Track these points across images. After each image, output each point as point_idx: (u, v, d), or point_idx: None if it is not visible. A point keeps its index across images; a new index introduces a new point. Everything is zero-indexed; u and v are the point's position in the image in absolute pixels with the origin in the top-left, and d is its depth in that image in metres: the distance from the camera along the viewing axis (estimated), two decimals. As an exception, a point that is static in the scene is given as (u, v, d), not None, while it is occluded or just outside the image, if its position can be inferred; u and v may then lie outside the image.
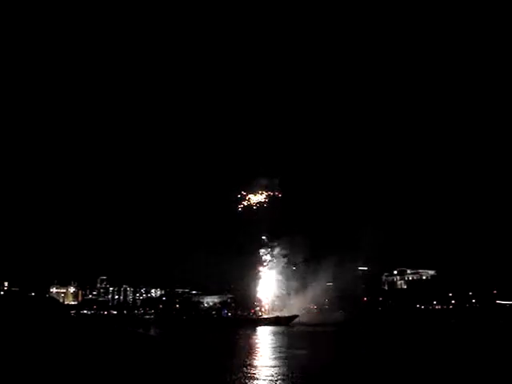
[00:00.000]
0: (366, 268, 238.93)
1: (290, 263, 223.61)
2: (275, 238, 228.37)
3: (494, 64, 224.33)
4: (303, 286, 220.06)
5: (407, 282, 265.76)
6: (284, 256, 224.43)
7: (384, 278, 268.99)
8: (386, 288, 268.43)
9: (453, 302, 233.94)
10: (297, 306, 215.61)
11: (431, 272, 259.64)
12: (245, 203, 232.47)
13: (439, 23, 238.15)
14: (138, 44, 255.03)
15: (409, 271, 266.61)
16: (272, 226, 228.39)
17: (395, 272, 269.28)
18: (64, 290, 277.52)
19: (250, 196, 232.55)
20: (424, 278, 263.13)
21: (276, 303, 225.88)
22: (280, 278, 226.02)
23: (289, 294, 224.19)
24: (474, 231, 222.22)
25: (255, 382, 47.32)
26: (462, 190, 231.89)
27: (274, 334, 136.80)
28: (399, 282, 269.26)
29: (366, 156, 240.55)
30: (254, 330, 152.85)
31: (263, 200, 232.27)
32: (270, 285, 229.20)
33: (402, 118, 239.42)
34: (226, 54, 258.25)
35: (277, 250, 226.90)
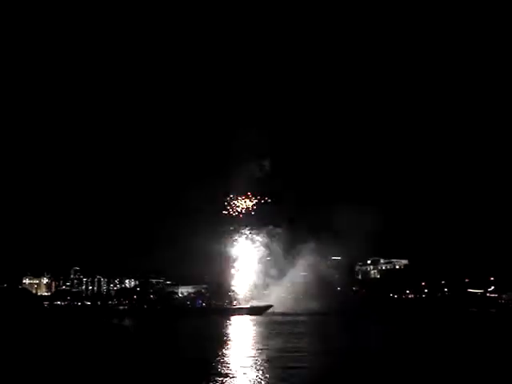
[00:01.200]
0: (339, 258, 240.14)
1: (270, 253, 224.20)
2: (255, 227, 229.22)
3: (494, 64, 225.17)
4: (281, 276, 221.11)
5: (380, 272, 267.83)
6: (264, 245, 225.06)
7: (357, 267, 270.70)
8: (360, 277, 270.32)
9: (425, 290, 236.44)
10: (274, 296, 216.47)
11: (404, 261, 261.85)
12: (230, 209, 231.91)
13: (439, 23, 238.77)
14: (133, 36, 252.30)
15: (382, 261, 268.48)
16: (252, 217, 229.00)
17: (369, 261, 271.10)
18: (37, 281, 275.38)
19: (236, 202, 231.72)
20: (397, 267, 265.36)
21: (253, 293, 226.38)
22: (259, 267, 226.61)
23: (267, 283, 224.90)
24: (446, 221, 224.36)
25: (227, 371, 47.58)
26: (434, 179, 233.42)
27: (247, 323, 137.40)
28: (372, 272, 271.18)
29: (344, 144, 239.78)
30: (228, 320, 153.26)
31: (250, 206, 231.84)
32: (247, 274, 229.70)
33: (385, 107, 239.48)
34: (224, 53, 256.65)
35: (256, 239, 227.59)
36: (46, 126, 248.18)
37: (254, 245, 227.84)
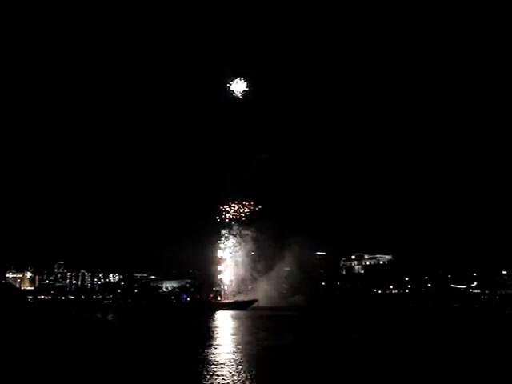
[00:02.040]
0: (324, 253, 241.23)
1: (257, 247, 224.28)
2: (243, 222, 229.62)
3: (494, 64, 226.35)
4: (267, 271, 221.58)
5: (364, 267, 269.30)
6: (252, 239, 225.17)
7: (342, 262, 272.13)
8: (344, 273, 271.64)
9: (409, 286, 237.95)
10: (260, 291, 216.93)
11: (388, 257, 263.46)
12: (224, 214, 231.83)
13: (439, 22, 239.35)
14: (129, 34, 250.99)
15: (366, 256, 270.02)
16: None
17: (353, 257, 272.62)
18: (20, 276, 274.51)
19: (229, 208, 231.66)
20: (381, 262, 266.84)
21: (240, 287, 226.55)
22: (246, 261, 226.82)
23: (254, 278, 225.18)
24: (429, 217, 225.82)
25: (210, 366, 47.76)
26: (418, 176, 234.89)
27: (231, 318, 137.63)
28: (357, 267, 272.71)
29: (331, 143, 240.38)
30: (212, 315, 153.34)
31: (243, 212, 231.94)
32: (232, 269, 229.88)
33: (374, 107, 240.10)
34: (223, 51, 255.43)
35: (244, 234, 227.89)
36: (39, 123, 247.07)
37: (242, 239, 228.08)
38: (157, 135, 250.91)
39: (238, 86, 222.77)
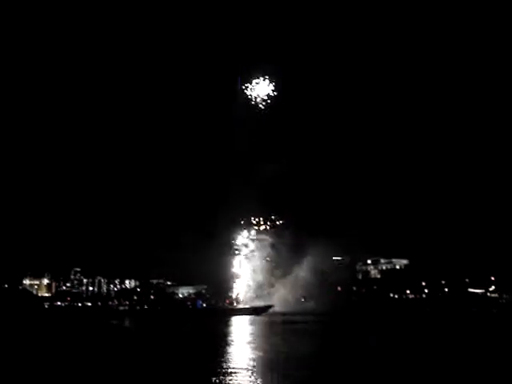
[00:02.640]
0: (339, 258, 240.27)
1: (275, 252, 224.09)
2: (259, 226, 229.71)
3: (494, 64, 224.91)
4: (284, 276, 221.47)
5: (381, 272, 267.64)
6: (270, 245, 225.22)
7: (358, 267, 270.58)
8: (360, 277, 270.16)
9: (426, 290, 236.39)
10: (277, 296, 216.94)
11: (404, 261, 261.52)
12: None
13: (440, 22, 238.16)
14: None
15: (382, 260, 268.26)
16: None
17: (369, 261, 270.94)
18: (37, 282, 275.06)
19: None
20: (397, 267, 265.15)
21: (257, 292, 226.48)
22: (263, 267, 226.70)
23: (271, 283, 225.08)
24: (446, 220, 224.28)
25: (228, 372, 47.60)
26: (435, 179, 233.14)
27: (247, 324, 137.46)
28: (373, 272, 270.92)
29: (344, 149, 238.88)
30: (228, 321, 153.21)
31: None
32: (249, 274, 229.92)
33: (378, 111, 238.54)
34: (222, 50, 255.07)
35: (261, 239, 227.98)
36: (48, 127, 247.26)
37: (259, 244, 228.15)
38: (172, 142, 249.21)
39: (260, 88, 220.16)
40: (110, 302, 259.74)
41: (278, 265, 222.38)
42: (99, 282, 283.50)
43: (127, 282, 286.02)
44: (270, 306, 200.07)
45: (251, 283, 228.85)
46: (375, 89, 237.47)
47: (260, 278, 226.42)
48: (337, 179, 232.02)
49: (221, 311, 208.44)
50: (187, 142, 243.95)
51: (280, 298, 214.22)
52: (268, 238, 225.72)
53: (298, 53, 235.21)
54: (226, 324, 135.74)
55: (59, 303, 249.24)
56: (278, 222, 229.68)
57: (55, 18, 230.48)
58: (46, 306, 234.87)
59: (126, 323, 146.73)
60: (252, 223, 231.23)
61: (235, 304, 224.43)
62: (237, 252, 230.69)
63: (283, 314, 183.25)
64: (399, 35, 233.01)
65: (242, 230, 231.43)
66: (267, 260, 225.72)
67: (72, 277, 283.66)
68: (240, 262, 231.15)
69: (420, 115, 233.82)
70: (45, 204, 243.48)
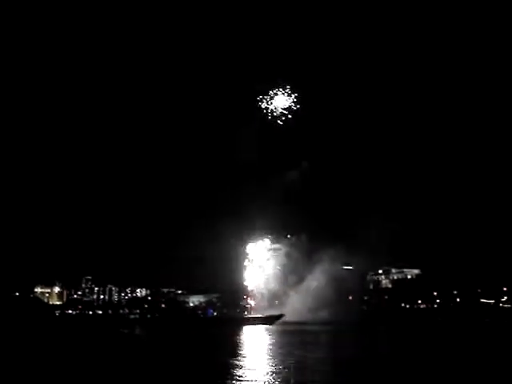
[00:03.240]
0: (351, 267, 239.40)
1: (287, 261, 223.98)
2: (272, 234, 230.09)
3: (494, 64, 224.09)
4: (297, 285, 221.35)
5: (392, 281, 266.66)
6: (284, 254, 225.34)
7: (369, 277, 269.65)
8: (371, 287, 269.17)
9: (437, 300, 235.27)
10: (289, 305, 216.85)
11: (416, 271, 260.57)
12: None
13: (440, 22, 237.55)
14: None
15: (394, 270, 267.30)
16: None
17: (380, 271, 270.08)
18: (48, 290, 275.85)
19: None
20: (409, 277, 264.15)
21: (267, 302, 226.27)
22: (276, 275, 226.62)
23: (284, 292, 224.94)
24: (458, 230, 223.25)
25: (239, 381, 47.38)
26: (446, 190, 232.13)
27: (258, 333, 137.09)
28: (384, 282, 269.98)
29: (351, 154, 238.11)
30: (239, 330, 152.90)
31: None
32: (261, 283, 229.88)
33: (384, 116, 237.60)
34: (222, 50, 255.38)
35: (274, 248, 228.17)
36: (57, 132, 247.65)
37: (273, 252, 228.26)
38: (187, 152, 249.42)
39: (280, 100, 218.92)
40: (121, 311, 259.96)
41: (292, 274, 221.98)
42: (110, 290, 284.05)
43: (138, 290, 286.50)
44: (281, 316, 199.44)
45: (264, 292, 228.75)
46: (386, 94, 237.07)
47: (273, 286, 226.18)
48: (349, 188, 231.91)
49: (231, 320, 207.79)
50: (202, 151, 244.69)
51: (293, 307, 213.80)
52: (282, 247, 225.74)
53: (311, 63, 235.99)
54: (236, 333, 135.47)
55: (70, 311, 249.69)
56: (291, 232, 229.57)
57: (58, 18, 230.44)
58: (57, 314, 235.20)
59: (137, 331, 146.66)
60: (266, 232, 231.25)
61: (246, 313, 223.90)
62: (249, 261, 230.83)
63: (294, 323, 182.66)
64: (402, 41, 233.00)
65: (255, 239, 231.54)
66: (280, 269, 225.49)
67: (83, 285, 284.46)
68: (252, 270, 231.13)
69: (434, 122, 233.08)
70: (56, 213, 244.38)
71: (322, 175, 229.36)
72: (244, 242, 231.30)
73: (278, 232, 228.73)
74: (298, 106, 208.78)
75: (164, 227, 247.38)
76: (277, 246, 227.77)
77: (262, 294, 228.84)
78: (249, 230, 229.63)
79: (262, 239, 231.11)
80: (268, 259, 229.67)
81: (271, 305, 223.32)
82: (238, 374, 50.81)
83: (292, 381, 47.98)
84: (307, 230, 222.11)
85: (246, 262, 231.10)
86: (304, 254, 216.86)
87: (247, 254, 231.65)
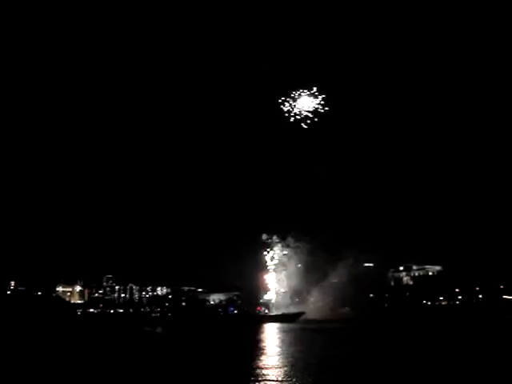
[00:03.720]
0: (371, 264, 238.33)
1: (308, 259, 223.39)
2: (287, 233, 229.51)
3: (494, 63, 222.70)
4: (318, 283, 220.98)
5: (413, 278, 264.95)
6: (304, 251, 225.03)
7: (390, 274, 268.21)
8: (392, 284, 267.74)
9: (459, 297, 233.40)
10: (310, 302, 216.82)
11: (437, 268, 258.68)
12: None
13: (440, 22, 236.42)
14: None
15: (415, 267, 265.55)
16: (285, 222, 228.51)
17: (401, 268, 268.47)
18: (70, 289, 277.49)
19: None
20: (430, 273, 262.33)
21: (288, 299, 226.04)
22: (297, 273, 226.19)
23: (306, 289, 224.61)
24: (479, 226, 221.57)
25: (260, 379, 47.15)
26: (468, 185, 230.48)
27: (279, 331, 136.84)
28: (405, 278, 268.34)
29: (371, 153, 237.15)
30: (260, 328, 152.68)
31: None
32: (282, 281, 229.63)
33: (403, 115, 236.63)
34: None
35: (295, 245, 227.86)
36: (83, 136, 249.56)
37: (294, 250, 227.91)
38: (213, 154, 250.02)
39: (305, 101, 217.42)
40: (142, 309, 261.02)
41: (314, 271, 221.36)
42: (131, 288, 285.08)
43: (159, 289, 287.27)
44: (301, 313, 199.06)
45: (285, 290, 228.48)
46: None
47: (295, 284, 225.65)
48: (370, 186, 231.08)
49: (252, 318, 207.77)
50: (225, 153, 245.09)
51: (314, 304, 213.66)
52: (304, 245, 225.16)
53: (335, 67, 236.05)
54: (257, 331, 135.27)
55: (92, 310, 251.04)
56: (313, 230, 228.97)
57: (56, 18, 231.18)
58: (79, 313, 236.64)
59: (158, 330, 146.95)
60: (288, 230, 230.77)
61: (266, 311, 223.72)
62: (271, 258, 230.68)
63: (315, 321, 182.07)
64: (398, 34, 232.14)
65: (277, 237, 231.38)
66: (302, 266, 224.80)
67: (104, 284, 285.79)
68: (274, 268, 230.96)
69: (452, 122, 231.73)
70: (77, 214, 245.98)
71: (344, 172, 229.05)
72: (266, 241, 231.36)
73: (300, 230, 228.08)
74: (325, 109, 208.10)
75: (184, 226, 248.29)
76: (299, 243, 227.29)
77: (285, 292, 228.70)
78: (271, 229, 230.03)
79: (285, 237, 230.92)
80: (290, 257, 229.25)
81: (291, 302, 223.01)
82: (257, 373, 50.53)
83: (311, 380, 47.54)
84: (329, 228, 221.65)
85: (267, 261, 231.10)
86: (326, 252, 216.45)
87: (269, 252, 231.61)
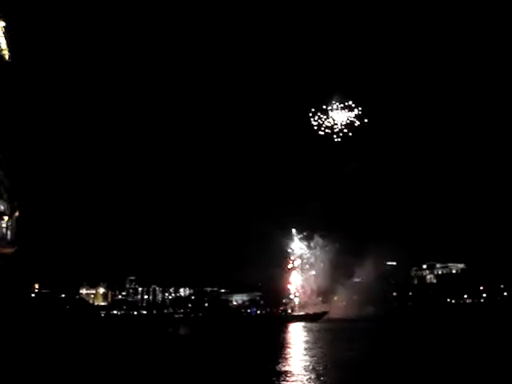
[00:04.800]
0: (394, 263, 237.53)
1: (334, 257, 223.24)
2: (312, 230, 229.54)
3: (494, 63, 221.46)
4: (343, 282, 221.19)
5: (437, 276, 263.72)
6: (330, 250, 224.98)
7: (413, 272, 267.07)
8: (416, 282, 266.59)
9: (484, 295, 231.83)
10: (333, 302, 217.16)
11: (461, 265, 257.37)
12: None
13: (440, 21, 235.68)
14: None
15: (438, 265, 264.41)
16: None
17: (424, 266, 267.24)
18: (94, 291, 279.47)
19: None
20: (454, 271, 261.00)
21: (311, 299, 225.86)
22: (321, 272, 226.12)
23: (331, 289, 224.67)
24: (502, 223, 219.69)
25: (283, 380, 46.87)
26: (489, 182, 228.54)
27: (302, 331, 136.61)
28: (428, 277, 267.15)
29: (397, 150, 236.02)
30: (283, 328, 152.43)
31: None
32: (306, 280, 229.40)
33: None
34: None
35: (320, 244, 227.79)
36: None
37: (319, 249, 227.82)
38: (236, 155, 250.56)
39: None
40: (165, 310, 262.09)
41: (339, 270, 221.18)
42: (154, 290, 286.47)
43: (181, 290, 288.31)
44: (324, 313, 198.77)
45: (311, 289, 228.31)
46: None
47: (320, 283, 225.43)
48: (393, 184, 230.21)
49: (275, 318, 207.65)
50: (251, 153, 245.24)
51: (338, 304, 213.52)
52: (329, 243, 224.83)
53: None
54: (280, 331, 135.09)
55: (115, 312, 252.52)
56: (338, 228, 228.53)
57: (55, 17, 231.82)
58: (103, 315, 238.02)
59: (182, 331, 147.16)
60: (313, 228, 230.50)
61: (290, 311, 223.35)
62: (294, 257, 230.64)
63: (339, 320, 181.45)
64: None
65: (301, 235, 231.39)
66: (328, 265, 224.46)
67: (127, 286, 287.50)
68: (298, 267, 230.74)
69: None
70: (100, 216, 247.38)
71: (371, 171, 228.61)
72: (290, 239, 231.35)
73: (325, 228, 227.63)
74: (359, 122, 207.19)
75: (206, 226, 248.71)
76: (324, 241, 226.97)
77: (311, 291, 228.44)
78: (296, 227, 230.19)
79: (310, 235, 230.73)
80: (317, 256, 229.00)
81: (317, 302, 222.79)
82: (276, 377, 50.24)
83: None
84: (354, 226, 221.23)
85: (291, 259, 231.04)
86: (351, 250, 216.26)
87: (293, 251, 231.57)
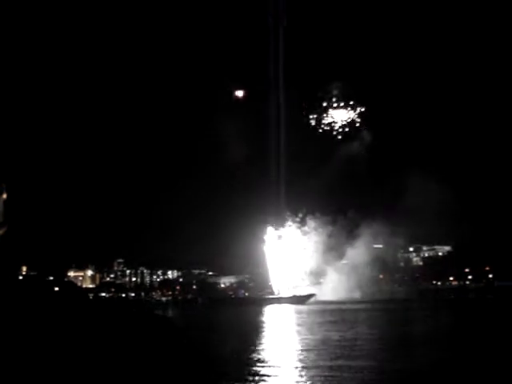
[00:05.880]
0: (381, 245, 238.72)
1: (325, 239, 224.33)
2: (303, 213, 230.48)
3: (494, 63, 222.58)
4: (335, 262, 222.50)
5: (423, 259, 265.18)
6: (321, 231, 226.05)
7: (400, 254, 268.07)
8: (402, 265, 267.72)
9: (469, 277, 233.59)
10: (327, 283, 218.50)
11: (447, 248, 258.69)
12: None
13: (440, 20, 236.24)
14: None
15: (424, 248, 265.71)
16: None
17: (411, 249, 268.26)
18: (82, 274, 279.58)
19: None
20: (440, 254, 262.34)
21: (307, 280, 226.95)
22: (314, 252, 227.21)
23: (322, 270, 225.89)
24: (490, 206, 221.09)
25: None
26: (476, 165, 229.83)
27: (290, 313, 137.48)
28: (415, 259, 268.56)
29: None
30: (270, 310, 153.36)
31: None
32: (298, 261, 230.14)
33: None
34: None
35: (312, 225, 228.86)
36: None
37: (310, 230, 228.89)
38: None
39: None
40: (153, 293, 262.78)
41: (330, 253, 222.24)
42: (142, 272, 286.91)
43: (169, 272, 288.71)
44: (311, 295, 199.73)
45: (299, 271, 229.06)
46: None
47: (310, 265, 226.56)
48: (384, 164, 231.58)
49: (262, 300, 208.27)
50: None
51: (330, 285, 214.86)
52: (319, 226, 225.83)
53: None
54: (263, 313, 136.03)
55: (103, 294, 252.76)
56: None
57: (55, 18, 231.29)
58: (90, 297, 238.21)
59: (169, 313, 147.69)
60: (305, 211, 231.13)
61: (278, 293, 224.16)
62: (283, 239, 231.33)
63: (330, 302, 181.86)
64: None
65: (292, 217, 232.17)
66: (319, 248, 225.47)
67: (115, 268, 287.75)
68: (288, 250, 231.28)
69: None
70: (87, 198, 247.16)
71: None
72: (280, 222, 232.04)
73: (318, 211, 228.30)
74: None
75: (195, 209, 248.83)
76: (315, 224, 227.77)
77: (297, 273, 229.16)
78: (289, 209, 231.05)
79: (302, 218, 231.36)
80: (307, 238, 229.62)
81: (306, 284, 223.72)
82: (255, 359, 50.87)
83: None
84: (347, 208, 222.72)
85: (282, 243, 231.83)
86: (343, 233, 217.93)
87: (282, 234, 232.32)
